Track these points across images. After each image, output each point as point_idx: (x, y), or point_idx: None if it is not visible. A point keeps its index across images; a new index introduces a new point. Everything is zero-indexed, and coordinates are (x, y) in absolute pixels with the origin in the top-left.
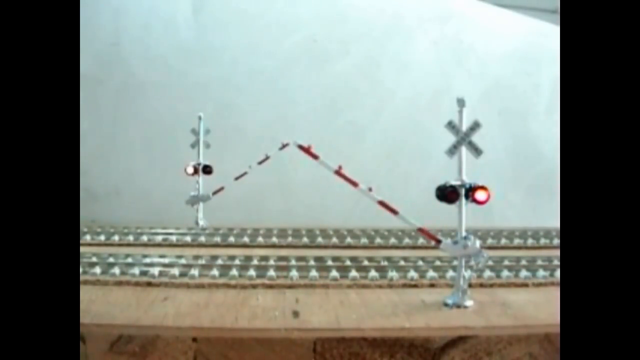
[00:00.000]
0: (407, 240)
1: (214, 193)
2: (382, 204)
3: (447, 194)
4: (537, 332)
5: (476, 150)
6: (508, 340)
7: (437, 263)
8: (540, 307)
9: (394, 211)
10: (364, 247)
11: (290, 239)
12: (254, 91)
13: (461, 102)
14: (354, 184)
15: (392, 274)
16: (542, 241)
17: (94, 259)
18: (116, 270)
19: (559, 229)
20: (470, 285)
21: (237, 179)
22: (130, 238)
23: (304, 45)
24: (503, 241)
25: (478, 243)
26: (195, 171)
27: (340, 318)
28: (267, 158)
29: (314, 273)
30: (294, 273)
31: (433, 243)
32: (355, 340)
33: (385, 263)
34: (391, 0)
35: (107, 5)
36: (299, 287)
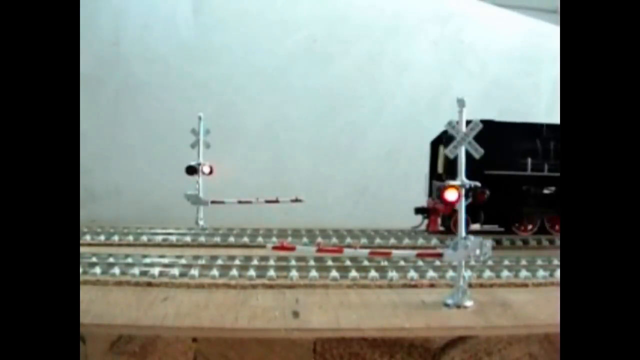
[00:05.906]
0: (407, 241)
1: (213, 202)
2: (372, 253)
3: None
4: (537, 332)
5: (476, 151)
6: (508, 340)
7: (437, 263)
8: (540, 307)
9: (387, 254)
10: (364, 247)
11: (290, 239)
12: (254, 91)
13: (461, 102)
14: (339, 251)
15: (392, 274)
16: (542, 241)
17: (94, 259)
18: (116, 270)
19: (559, 229)
20: (470, 285)
21: (240, 202)
22: (130, 238)
23: (304, 45)
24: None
25: (479, 238)
26: (196, 171)
27: (340, 318)
28: (276, 200)
29: (314, 273)
30: (294, 273)
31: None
32: (355, 341)
33: (385, 263)
34: (391, 0)
35: (107, 5)
36: (299, 287)
